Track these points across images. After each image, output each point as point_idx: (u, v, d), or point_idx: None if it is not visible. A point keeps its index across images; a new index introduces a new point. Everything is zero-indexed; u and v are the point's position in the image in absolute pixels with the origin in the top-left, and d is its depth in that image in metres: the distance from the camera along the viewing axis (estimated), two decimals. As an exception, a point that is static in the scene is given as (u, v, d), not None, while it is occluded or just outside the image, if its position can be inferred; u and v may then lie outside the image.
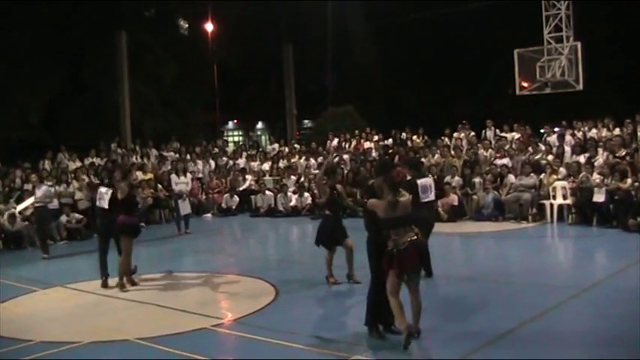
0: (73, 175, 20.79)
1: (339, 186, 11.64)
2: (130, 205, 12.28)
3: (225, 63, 38.83)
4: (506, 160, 20.30)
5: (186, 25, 41.02)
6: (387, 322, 8.38)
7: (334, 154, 23.99)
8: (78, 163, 22.66)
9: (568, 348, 7.93)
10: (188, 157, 24.83)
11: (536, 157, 20.16)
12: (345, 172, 21.50)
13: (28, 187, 18.69)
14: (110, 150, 24.89)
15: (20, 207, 16.50)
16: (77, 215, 19.37)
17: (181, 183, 19.48)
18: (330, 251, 11.40)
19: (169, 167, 22.79)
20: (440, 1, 30.50)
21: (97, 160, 23.27)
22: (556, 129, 23.34)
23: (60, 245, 18.33)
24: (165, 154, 25.20)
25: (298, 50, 35.49)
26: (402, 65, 38.03)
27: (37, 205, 16.38)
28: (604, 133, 21.38)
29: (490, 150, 21.67)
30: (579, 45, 23.70)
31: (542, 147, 20.89)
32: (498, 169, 19.78)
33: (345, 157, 24.20)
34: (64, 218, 19.10)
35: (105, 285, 12.27)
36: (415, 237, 7.94)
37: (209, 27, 37.40)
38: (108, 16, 28.62)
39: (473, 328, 8.74)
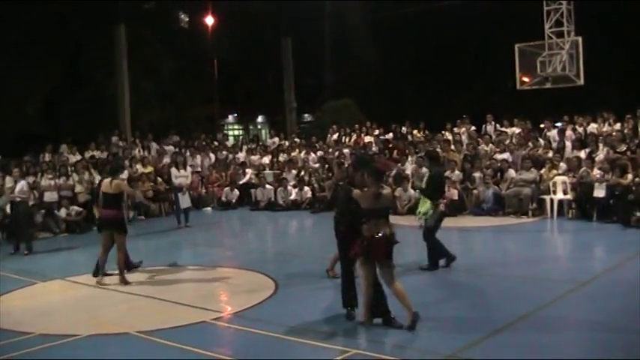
0: (72, 168, 20.74)
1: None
2: (118, 200, 12.35)
3: (225, 56, 38.78)
4: (506, 155, 20.31)
5: (187, 19, 40.93)
6: (386, 316, 8.50)
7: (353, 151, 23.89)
8: (78, 156, 22.62)
9: (565, 341, 7.95)
10: (188, 153, 24.74)
11: (538, 152, 20.15)
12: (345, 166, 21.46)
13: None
14: (111, 143, 24.85)
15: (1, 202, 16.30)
16: (77, 208, 19.36)
17: (181, 176, 19.45)
18: None
19: (169, 160, 22.78)
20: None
21: (97, 153, 23.23)
22: (557, 124, 23.34)
23: (59, 238, 18.36)
24: (165, 147, 25.15)
25: (297, 44, 35.48)
26: (401, 58, 37.95)
27: (16, 200, 16.07)
28: (605, 128, 21.39)
29: (490, 145, 21.66)
30: (580, 40, 23.67)
31: (542, 142, 20.89)
32: (499, 164, 19.78)
33: (345, 151, 24.17)
34: (63, 211, 19.11)
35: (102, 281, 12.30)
36: (389, 231, 8.29)
37: (209, 20, 37.34)
38: (107, 9, 28.56)
39: (471, 321, 8.76)
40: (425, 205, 11.85)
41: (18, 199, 15.99)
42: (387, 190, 8.54)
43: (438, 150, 19.08)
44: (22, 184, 16.33)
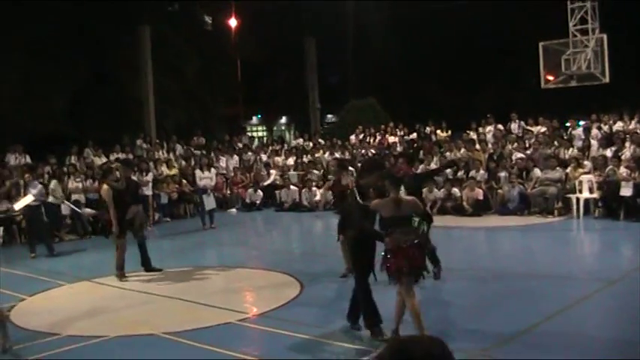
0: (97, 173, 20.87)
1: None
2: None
3: (248, 57, 38.87)
4: (523, 154, 20.21)
5: (211, 21, 41.07)
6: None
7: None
8: (103, 159, 22.77)
9: (594, 342, 7.88)
10: (212, 154, 24.82)
11: (566, 151, 19.99)
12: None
13: (53, 184, 18.56)
14: (135, 145, 25.00)
15: (19, 205, 16.30)
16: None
17: (206, 178, 19.53)
18: None
19: (193, 162, 22.87)
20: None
21: (121, 156, 23.34)
22: (582, 122, 23.14)
23: (86, 239, 18.51)
24: (194, 150, 25.28)
25: (320, 43, 35.49)
26: (424, 57, 37.79)
27: (31, 204, 15.76)
28: (631, 126, 21.19)
29: (515, 143, 21.56)
30: (605, 37, 23.44)
31: (568, 141, 20.76)
32: (524, 163, 19.67)
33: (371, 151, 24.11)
34: (87, 211, 19.20)
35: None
36: (416, 240, 7.70)
37: (232, 21, 37.44)
38: (131, 10, 28.76)
39: (498, 322, 8.72)
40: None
41: (36, 203, 15.98)
42: (409, 196, 8.08)
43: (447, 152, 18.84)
44: (39, 188, 16.45)
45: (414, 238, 7.67)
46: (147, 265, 13.14)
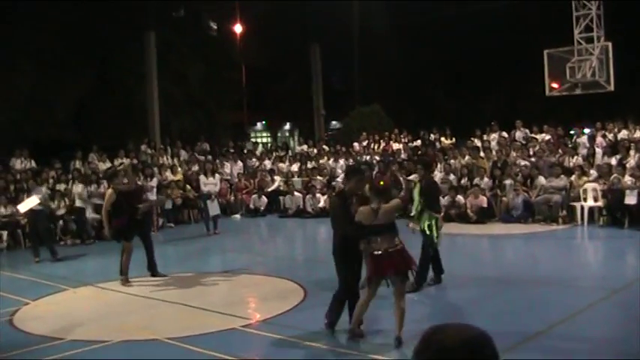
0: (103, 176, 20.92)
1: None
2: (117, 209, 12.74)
3: (252, 63, 38.91)
4: (527, 162, 20.20)
5: (216, 27, 41.15)
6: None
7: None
8: (108, 164, 22.81)
9: (598, 351, 7.86)
10: (216, 160, 24.87)
11: (571, 159, 19.98)
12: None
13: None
14: (140, 151, 25.04)
15: (23, 208, 16.32)
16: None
17: (210, 184, 19.57)
18: None
19: (198, 168, 22.90)
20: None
21: (126, 161, 23.38)
22: (586, 130, 23.13)
23: (89, 244, 18.54)
24: (197, 156, 25.32)
25: (325, 50, 35.55)
26: (429, 64, 37.84)
27: (35, 208, 15.92)
28: (636, 134, 21.17)
29: (520, 151, 21.53)
30: (610, 45, 23.45)
31: (573, 148, 20.74)
32: (528, 171, 19.66)
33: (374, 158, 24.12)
34: (91, 216, 19.23)
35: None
36: (398, 245, 8.03)
37: (237, 27, 37.49)
38: (137, 16, 28.84)
39: (501, 330, 8.65)
40: (427, 220, 10.91)
41: (38, 207, 16.01)
42: (388, 205, 8.13)
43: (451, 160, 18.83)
44: (43, 192, 16.49)
45: (394, 245, 8.00)
46: (153, 270, 13.17)
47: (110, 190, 12.85)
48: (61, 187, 20.22)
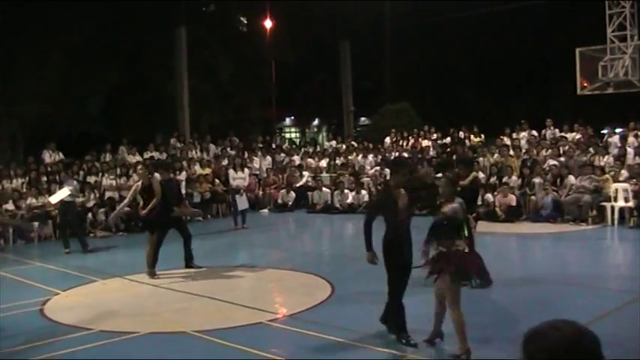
0: (133, 169, 21.12)
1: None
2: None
3: (282, 59, 38.94)
4: (557, 161, 20.04)
5: (246, 22, 41.24)
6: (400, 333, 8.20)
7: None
8: (138, 157, 23.01)
9: (624, 354, 7.78)
10: (245, 155, 25.00)
11: (601, 159, 19.79)
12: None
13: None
14: (169, 144, 25.22)
15: (55, 199, 16.52)
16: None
17: (239, 178, 19.63)
18: None
19: (227, 162, 23.02)
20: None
21: (156, 155, 23.58)
22: (618, 130, 22.90)
23: (119, 236, 18.76)
24: (228, 151, 25.45)
25: (355, 46, 35.52)
26: (459, 62, 37.66)
27: (66, 200, 16.20)
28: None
29: (549, 150, 21.38)
30: (644, 44, 23.23)
31: (604, 148, 20.55)
32: (558, 170, 19.50)
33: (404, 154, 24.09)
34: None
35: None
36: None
37: (267, 23, 37.55)
38: (167, 11, 29.01)
39: (527, 329, 8.63)
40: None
41: (69, 199, 16.23)
42: (453, 204, 7.90)
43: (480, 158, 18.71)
44: (74, 184, 16.69)
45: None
46: (189, 261, 13.41)
47: (158, 176, 13.18)
48: (91, 179, 20.45)
